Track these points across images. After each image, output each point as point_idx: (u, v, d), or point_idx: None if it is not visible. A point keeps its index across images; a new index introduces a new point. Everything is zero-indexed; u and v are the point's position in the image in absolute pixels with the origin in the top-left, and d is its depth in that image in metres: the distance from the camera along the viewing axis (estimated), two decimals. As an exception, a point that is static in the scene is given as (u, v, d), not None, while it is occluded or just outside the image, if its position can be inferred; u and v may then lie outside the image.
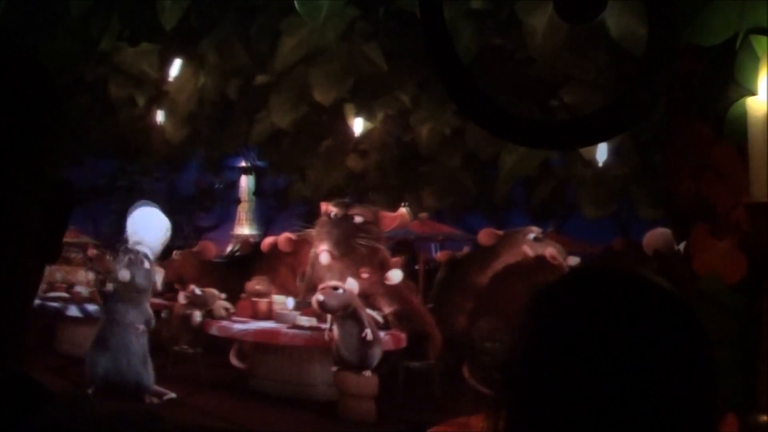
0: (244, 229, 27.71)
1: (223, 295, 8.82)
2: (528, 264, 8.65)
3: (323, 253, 8.42)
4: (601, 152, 7.49)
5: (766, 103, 2.49)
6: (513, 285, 7.96)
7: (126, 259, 7.74)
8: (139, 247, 7.75)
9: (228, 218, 27.96)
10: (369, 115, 8.69)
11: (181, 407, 7.41)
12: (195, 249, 10.48)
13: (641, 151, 7.23)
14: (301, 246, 9.26)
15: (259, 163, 14.64)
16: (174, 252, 10.13)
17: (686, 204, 2.90)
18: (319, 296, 7.52)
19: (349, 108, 8.55)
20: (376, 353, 7.52)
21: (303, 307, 8.40)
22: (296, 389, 7.95)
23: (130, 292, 7.65)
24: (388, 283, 8.24)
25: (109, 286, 7.77)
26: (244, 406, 7.71)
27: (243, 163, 22.55)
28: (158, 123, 8.80)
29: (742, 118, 2.54)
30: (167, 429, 0.72)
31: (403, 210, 10.30)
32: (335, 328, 7.52)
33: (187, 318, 8.51)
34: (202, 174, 22.95)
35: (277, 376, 8.10)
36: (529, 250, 8.85)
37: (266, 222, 25.88)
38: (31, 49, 0.68)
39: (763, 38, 2.58)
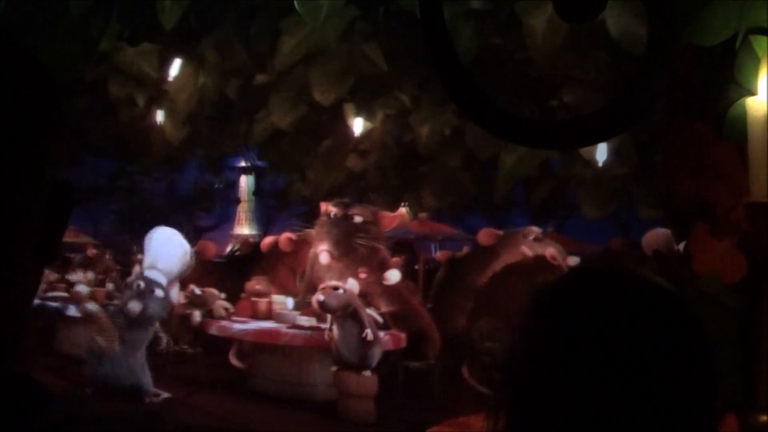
0: (244, 228, 27.74)
1: (223, 295, 8.82)
2: (528, 264, 8.65)
3: (323, 253, 8.42)
4: (601, 152, 7.49)
5: (766, 103, 2.49)
6: (513, 285, 7.95)
7: (135, 288, 7.51)
8: (151, 272, 7.52)
9: (228, 218, 27.99)
10: (369, 115, 8.70)
11: (181, 407, 7.41)
12: (195, 249, 10.47)
13: (641, 151, 7.23)
14: (301, 246, 9.26)
15: (259, 163, 14.65)
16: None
17: (686, 204, 2.90)
18: (319, 296, 7.52)
19: (349, 108, 8.56)
20: (376, 353, 7.53)
21: (303, 307, 8.40)
22: (296, 389, 7.95)
23: (141, 321, 7.44)
24: (385, 283, 8.24)
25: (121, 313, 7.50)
26: (243, 406, 7.71)
27: (243, 163, 22.56)
28: (158, 123, 8.80)
29: (742, 118, 2.54)
30: (167, 429, 0.72)
31: (402, 210, 10.31)
32: (335, 328, 7.52)
33: (187, 318, 8.51)
34: (201, 174, 22.99)
35: (276, 376, 8.10)
36: (528, 250, 8.85)
37: (266, 222, 25.92)
38: (31, 49, 0.68)
39: (763, 38, 2.58)
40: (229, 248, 13.21)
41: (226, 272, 9.91)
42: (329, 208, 8.55)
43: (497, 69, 6.26)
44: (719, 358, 2.25)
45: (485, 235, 9.40)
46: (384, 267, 8.44)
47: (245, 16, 6.52)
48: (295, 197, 10.31)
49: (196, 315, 8.50)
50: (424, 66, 6.20)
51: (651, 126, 5.35)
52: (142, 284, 7.51)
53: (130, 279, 7.86)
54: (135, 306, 7.34)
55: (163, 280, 7.56)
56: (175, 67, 7.96)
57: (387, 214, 9.10)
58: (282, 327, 8.12)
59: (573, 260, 8.76)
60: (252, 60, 6.99)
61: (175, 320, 8.75)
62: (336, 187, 9.47)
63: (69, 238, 12.16)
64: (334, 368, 7.53)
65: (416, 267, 12.24)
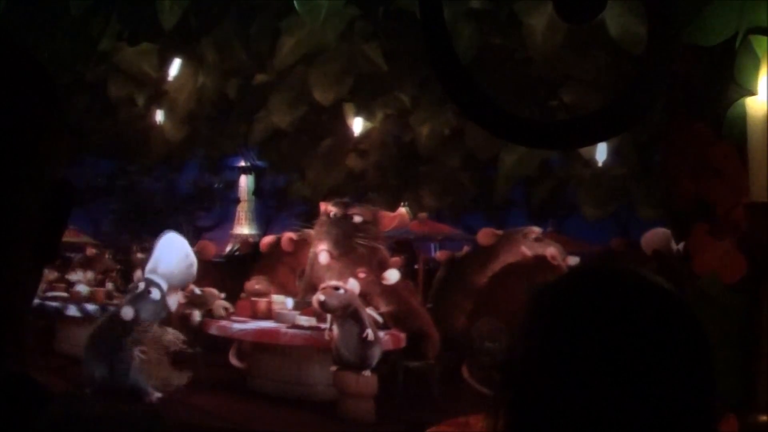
0: (244, 228, 27.74)
1: (223, 295, 8.82)
2: (527, 264, 8.65)
3: (322, 252, 8.42)
4: (601, 152, 7.50)
5: (766, 103, 2.49)
6: (512, 285, 7.96)
7: (133, 292, 7.47)
8: (152, 276, 7.47)
9: (227, 218, 27.99)
10: (369, 115, 8.71)
11: (181, 407, 7.41)
12: (194, 249, 10.47)
13: (641, 151, 7.24)
14: (301, 246, 9.26)
15: (259, 163, 14.64)
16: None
17: (686, 204, 2.90)
18: (320, 296, 7.52)
19: (348, 108, 8.56)
20: (376, 353, 7.52)
21: (302, 306, 8.40)
22: (295, 389, 7.94)
23: (135, 327, 7.35)
24: (385, 283, 8.23)
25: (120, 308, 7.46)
26: (243, 406, 7.71)
27: (242, 163, 22.55)
28: (158, 123, 8.80)
29: (742, 118, 2.54)
30: (167, 429, 0.72)
31: (402, 210, 10.31)
32: (335, 327, 7.52)
33: (187, 318, 8.50)
34: (201, 174, 22.99)
35: (276, 376, 8.10)
36: (528, 250, 8.85)
37: (265, 222, 25.92)
38: (31, 49, 0.68)
39: (763, 38, 2.58)
40: (228, 248, 13.23)
41: (226, 272, 9.91)
42: (329, 208, 8.54)
43: (497, 69, 6.27)
44: (719, 358, 2.25)
45: (485, 235, 9.40)
46: (383, 267, 8.43)
47: (245, 16, 6.53)
48: (294, 197, 10.32)
49: (196, 315, 8.49)
50: (424, 66, 6.21)
51: (651, 126, 5.35)
52: (141, 285, 7.50)
53: (131, 285, 7.81)
54: (127, 312, 7.28)
55: (163, 285, 7.54)
56: (175, 67, 7.97)
57: (387, 214, 9.10)
58: (282, 327, 8.11)
59: (573, 260, 8.76)
60: (252, 60, 7.00)
61: (175, 320, 8.74)
62: (335, 187, 9.47)
63: (69, 238, 12.16)
64: (333, 368, 7.53)
65: (416, 267, 12.24)
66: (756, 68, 2.57)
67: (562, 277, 1.00)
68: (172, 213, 24.54)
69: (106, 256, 12.41)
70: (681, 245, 4.21)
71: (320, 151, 9.38)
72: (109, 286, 10.33)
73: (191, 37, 6.87)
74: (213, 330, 8.47)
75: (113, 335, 7.37)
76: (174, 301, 7.56)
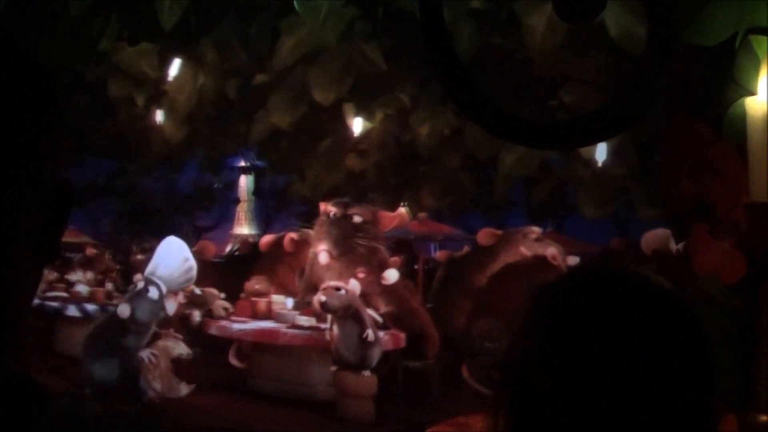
0: (243, 228, 27.77)
1: (223, 295, 8.82)
2: (527, 264, 8.66)
3: (322, 252, 8.42)
4: (601, 152, 7.50)
5: (766, 103, 2.49)
6: (512, 285, 7.96)
7: (131, 291, 7.47)
8: (150, 277, 7.48)
9: (227, 218, 28.02)
10: (368, 115, 8.70)
11: (181, 407, 7.41)
12: (194, 249, 10.47)
13: (640, 151, 7.24)
14: (301, 246, 9.26)
15: (259, 163, 14.65)
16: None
17: (685, 204, 2.90)
18: (321, 296, 7.52)
19: (348, 108, 8.56)
20: (376, 353, 7.52)
21: (302, 306, 8.40)
22: (295, 389, 7.95)
23: (131, 326, 7.33)
24: (384, 283, 8.23)
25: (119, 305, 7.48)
26: (243, 405, 7.71)
27: (242, 163, 22.58)
28: (157, 123, 8.80)
29: (742, 118, 2.54)
30: (167, 429, 0.72)
31: (402, 210, 10.31)
32: (335, 328, 7.52)
33: (187, 318, 8.50)
34: (201, 174, 23.00)
35: (276, 376, 8.10)
36: (528, 250, 8.86)
37: (265, 222, 25.94)
38: (31, 49, 0.68)
39: (763, 38, 2.58)
40: (228, 248, 13.23)
41: (226, 272, 9.90)
42: (328, 208, 8.54)
43: (497, 69, 6.27)
44: (719, 358, 2.25)
45: (485, 235, 9.40)
46: (383, 267, 8.43)
47: (245, 16, 6.53)
48: (294, 197, 10.33)
49: (196, 315, 8.49)
50: (424, 66, 6.21)
51: (651, 126, 5.35)
52: (140, 284, 7.50)
53: (131, 287, 7.81)
54: (124, 310, 7.26)
55: (162, 287, 7.53)
56: (175, 67, 7.96)
57: (386, 214, 9.09)
58: (281, 327, 8.12)
59: (573, 260, 8.75)
60: (252, 60, 7.00)
61: (175, 320, 8.74)
62: (335, 187, 9.48)
63: (69, 238, 12.17)
64: (333, 368, 7.53)
65: (416, 267, 12.24)
66: (756, 68, 2.57)
67: (561, 277, 1.00)
68: (172, 213, 24.56)
69: (106, 256, 12.43)
70: (681, 245, 4.20)
71: (320, 151, 9.38)
72: (109, 286, 10.34)
73: (191, 37, 6.87)
74: (213, 330, 8.48)
75: (112, 335, 7.36)
76: (172, 305, 7.56)
